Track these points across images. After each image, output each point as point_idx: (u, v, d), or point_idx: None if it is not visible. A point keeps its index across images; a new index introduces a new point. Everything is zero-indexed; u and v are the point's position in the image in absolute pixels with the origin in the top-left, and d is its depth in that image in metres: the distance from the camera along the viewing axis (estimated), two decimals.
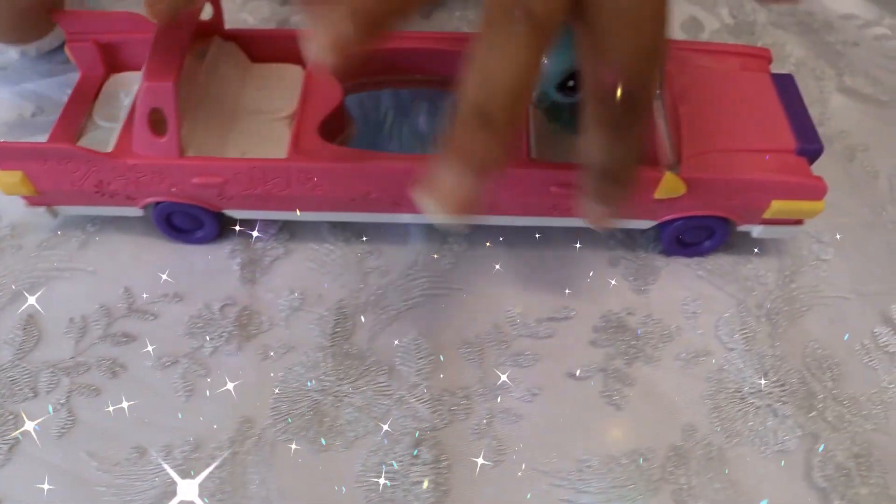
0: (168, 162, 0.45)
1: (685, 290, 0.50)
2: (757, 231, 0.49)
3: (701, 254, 0.51)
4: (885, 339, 0.48)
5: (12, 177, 0.46)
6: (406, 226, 0.52)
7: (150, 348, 0.45)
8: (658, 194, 0.46)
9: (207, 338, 0.46)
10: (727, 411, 0.45)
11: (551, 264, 0.50)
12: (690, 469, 0.42)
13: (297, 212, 0.48)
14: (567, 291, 0.49)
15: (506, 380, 0.45)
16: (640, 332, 0.47)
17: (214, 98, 0.49)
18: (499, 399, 0.44)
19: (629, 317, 0.48)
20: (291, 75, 0.52)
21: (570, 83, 0.46)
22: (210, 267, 0.49)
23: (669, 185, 0.45)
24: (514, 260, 0.51)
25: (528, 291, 0.49)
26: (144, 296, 0.47)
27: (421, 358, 0.46)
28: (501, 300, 0.48)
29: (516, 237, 0.52)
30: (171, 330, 0.46)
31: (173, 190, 0.46)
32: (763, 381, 0.46)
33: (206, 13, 0.51)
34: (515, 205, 0.47)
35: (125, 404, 0.43)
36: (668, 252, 0.51)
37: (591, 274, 0.50)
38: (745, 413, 0.45)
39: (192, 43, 0.49)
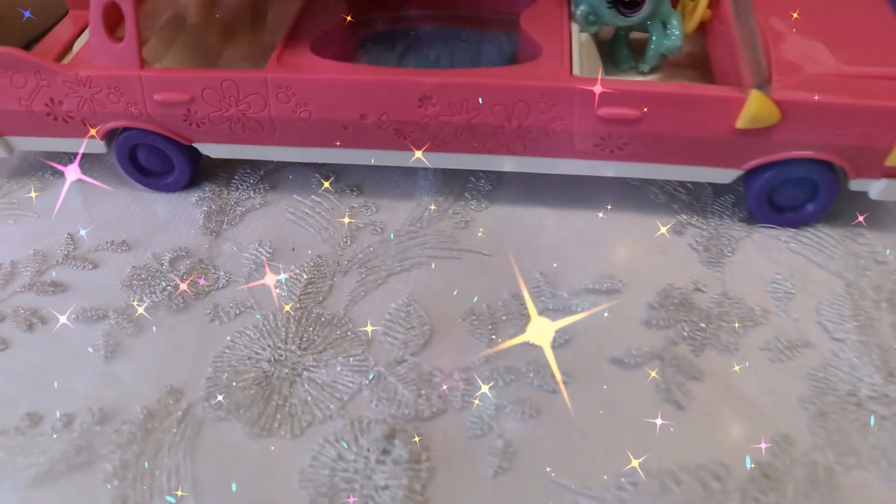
0: (126, 73, 0.37)
1: (774, 265, 0.37)
2: (877, 189, 0.36)
3: (801, 222, 0.38)
4: None
5: None
6: (414, 178, 0.42)
7: (77, 300, 0.36)
8: (741, 122, 0.34)
9: (147, 292, 0.36)
10: (838, 421, 0.31)
11: (595, 227, 0.39)
12: (785, 496, 0.29)
13: (279, 152, 0.38)
14: (614, 259, 0.37)
15: (522, 362, 0.33)
16: (711, 311, 0.35)
17: (200, 28, 0.42)
18: (512, 385, 0.33)
19: (698, 293, 0.36)
20: None
21: None
22: (171, 216, 0.41)
23: (757, 109, 0.34)
24: (546, 219, 0.40)
25: (562, 257, 0.37)
26: (88, 243, 0.39)
27: (411, 328, 0.35)
28: (526, 266, 0.37)
29: (552, 191, 0.41)
30: (108, 282, 0.37)
31: (133, 110, 0.38)
32: (889, 384, 0.32)
33: None
34: (551, 140, 0.37)
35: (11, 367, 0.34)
36: (758, 216, 0.38)
37: (647, 240, 0.38)
38: (863, 425, 0.31)
39: None
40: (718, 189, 0.40)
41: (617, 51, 0.40)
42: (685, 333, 0.34)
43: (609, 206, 0.40)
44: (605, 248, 0.38)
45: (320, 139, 0.38)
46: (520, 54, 0.40)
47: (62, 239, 0.40)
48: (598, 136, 0.36)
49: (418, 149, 0.37)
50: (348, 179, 0.42)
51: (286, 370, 0.33)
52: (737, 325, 0.34)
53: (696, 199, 0.40)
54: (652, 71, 0.39)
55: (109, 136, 0.40)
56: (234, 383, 0.33)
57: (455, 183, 0.41)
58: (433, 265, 0.37)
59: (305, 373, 0.33)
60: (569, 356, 0.33)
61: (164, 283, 0.37)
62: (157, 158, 0.40)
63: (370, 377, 0.32)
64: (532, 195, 0.41)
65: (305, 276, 0.37)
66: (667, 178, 0.38)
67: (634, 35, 0.40)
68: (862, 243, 0.38)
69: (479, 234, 0.38)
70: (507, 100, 0.35)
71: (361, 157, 0.39)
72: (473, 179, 0.41)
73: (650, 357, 0.33)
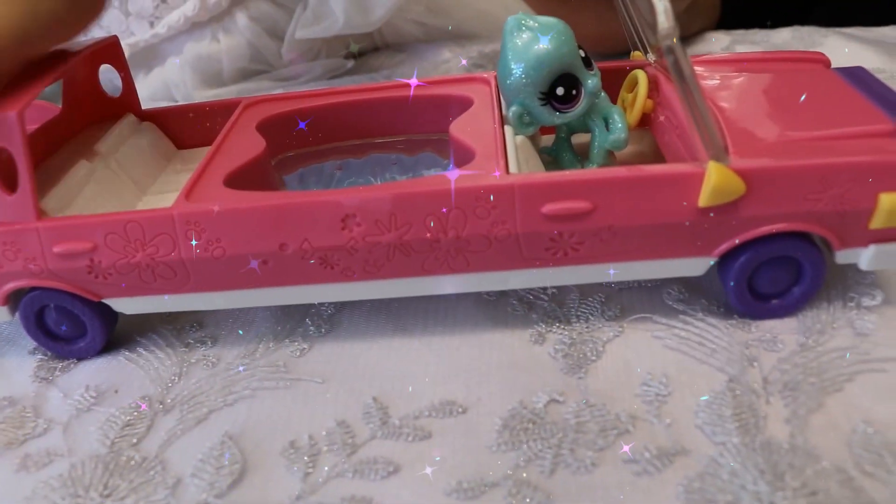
0: (21, 226, 0.35)
1: (646, 365, 0.32)
2: (866, 258, 0.32)
3: (790, 309, 0.33)
4: None
5: None
6: (254, 308, 0.39)
7: None
8: (704, 199, 0.30)
9: None
10: None
11: (442, 347, 0.35)
12: None
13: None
14: (461, 381, 0.33)
15: (337, 498, 0.28)
16: (568, 424, 0.29)
17: (113, 176, 0.41)
18: None
19: (553, 406, 0.31)
20: None
21: (560, 90, 0.35)
22: (6, 363, 0.38)
23: (718, 181, 0.30)
24: (390, 342, 0.36)
25: (402, 382, 0.33)
26: None
27: (222, 467, 0.30)
28: (360, 392, 0.33)
29: (401, 312, 0.37)
30: None
31: (32, 267, 0.35)
32: (774, 490, 0.26)
33: (116, 89, 0.44)
34: (496, 251, 0.33)
35: None
36: (741, 309, 0.33)
37: (500, 357, 0.34)
38: None
39: (96, 119, 0.43)
40: (585, 290, 0.36)
41: (560, 156, 0.38)
42: (535, 453, 0.29)
43: (459, 324, 0.35)
44: (451, 370, 0.33)
45: (240, 280, 0.35)
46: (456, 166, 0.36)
47: None
48: (548, 238, 0.32)
49: (349, 279, 0.34)
50: (192, 314, 0.39)
51: None
52: (595, 437, 0.29)
53: (558, 305, 0.36)
54: None
55: (13, 302, 0.37)
56: None
57: (296, 310, 0.38)
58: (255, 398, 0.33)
59: None
60: (393, 488, 0.28)
61: None
62: (68, 321, 0.37)
63: None
64: (377, 317, 0.37)
65: (124, 418, 0.33)
66: (632, 277, 0.33)
67: (577, 140, 0.38)
68: (752, 331, 0.33)
69: (314, 362, 0.34)
70: (439, 209, 0.32)
71: (289, 295, 0.35)
72: (316, 304, 0.38)
73: (491, 486, 0.28)
